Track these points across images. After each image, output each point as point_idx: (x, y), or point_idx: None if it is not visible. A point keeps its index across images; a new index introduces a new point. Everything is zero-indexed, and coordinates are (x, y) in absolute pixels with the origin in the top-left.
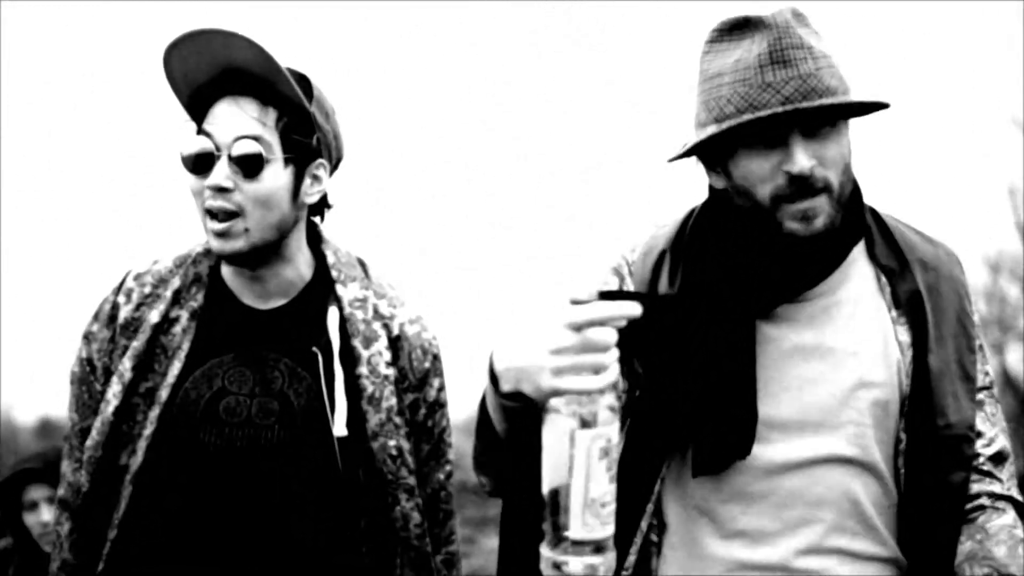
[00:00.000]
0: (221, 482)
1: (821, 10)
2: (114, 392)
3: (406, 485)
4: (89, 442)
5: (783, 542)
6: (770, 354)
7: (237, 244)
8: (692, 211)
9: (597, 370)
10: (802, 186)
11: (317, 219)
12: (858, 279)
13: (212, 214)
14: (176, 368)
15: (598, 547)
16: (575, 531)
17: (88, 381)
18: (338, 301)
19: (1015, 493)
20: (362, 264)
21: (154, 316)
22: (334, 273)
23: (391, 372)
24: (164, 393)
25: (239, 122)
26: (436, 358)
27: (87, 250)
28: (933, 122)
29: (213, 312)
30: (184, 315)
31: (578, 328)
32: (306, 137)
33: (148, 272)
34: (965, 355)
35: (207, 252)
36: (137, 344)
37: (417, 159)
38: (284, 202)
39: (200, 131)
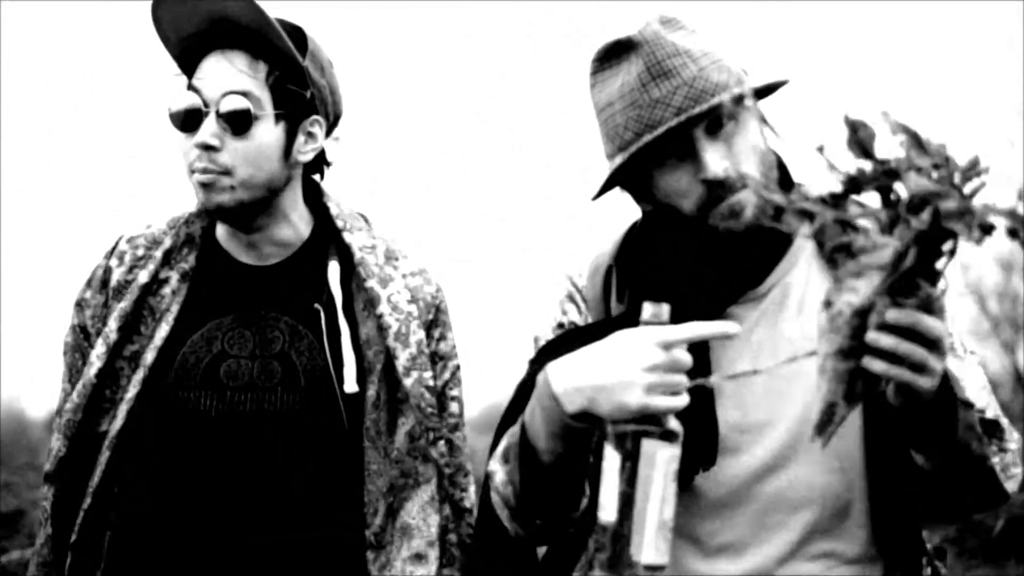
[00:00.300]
0: (221, 449)
1: (823, 11)
2: (98, 354)
3: (443, 424)
4: (68, 405)
5: (767, 549)
6: (728, 357)
7: (222, 197)
8: (634, 224)
9: (679, 390)
10: (719, 190)
11: (316, 177)
12: (804, 264)
13: (196, 172)
14: (164, 331)
15: (662, 571)
16: (648, 556)
17: (83, 348)
18: (346, 249)
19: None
20: (364, 218)
21: (143, 276)
22: (339, 223)
23: (413, 308)
24: (149, 356)
25: (227, 77)
26: (439, 309)
27: (88, 249)
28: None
29: (207, 273)
30: (174, 276)
31: (669, 347)
32: (299, 93)
33: (141, 235)
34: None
35: (200, 213)
36: (124, 304)
37: (412, 151)
38: (274, 160)
39: (189, 86)
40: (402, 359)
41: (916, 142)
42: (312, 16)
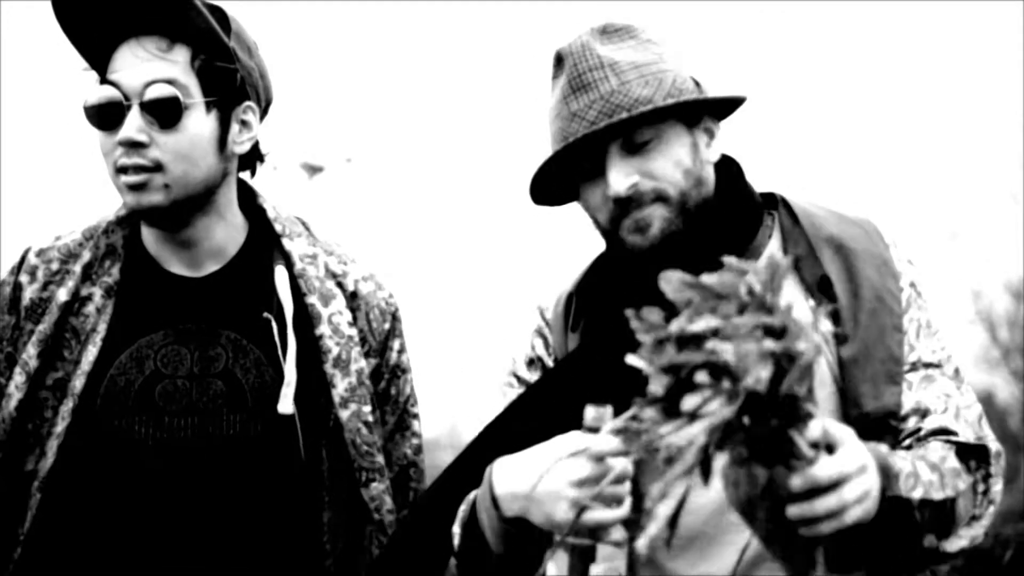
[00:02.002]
0: (160, 481)
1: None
2: (16, 384)
3: (378, 463)
4: None
5: (731, 554)
6: None
7: (155, 198)
8: (601, 252)
9: (615, 502)
10: (626, 206)
11: (246, 175)
12: None
13: (124, 171)
14: (91, 354)
15: None
16: None
17: None
18: (286, 257)
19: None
20: (303, 223)
21: (62, 295)
22: (278, 227)
23: (354, 332)
24: (78, 383)
25: (147, 64)
26: (395, 317)
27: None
28: (957, 152)
29: (134, 286)
30: (98, 293)
31: (600, 458)
32: (228, 76)
33: (52, 247)
34: (889, 335)
35: (121, 221)
36: (43, 327)
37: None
38: (210, 154)
39: (104, 81)
40: (340, 388)
41: (709, 294)
42: (308, 22)
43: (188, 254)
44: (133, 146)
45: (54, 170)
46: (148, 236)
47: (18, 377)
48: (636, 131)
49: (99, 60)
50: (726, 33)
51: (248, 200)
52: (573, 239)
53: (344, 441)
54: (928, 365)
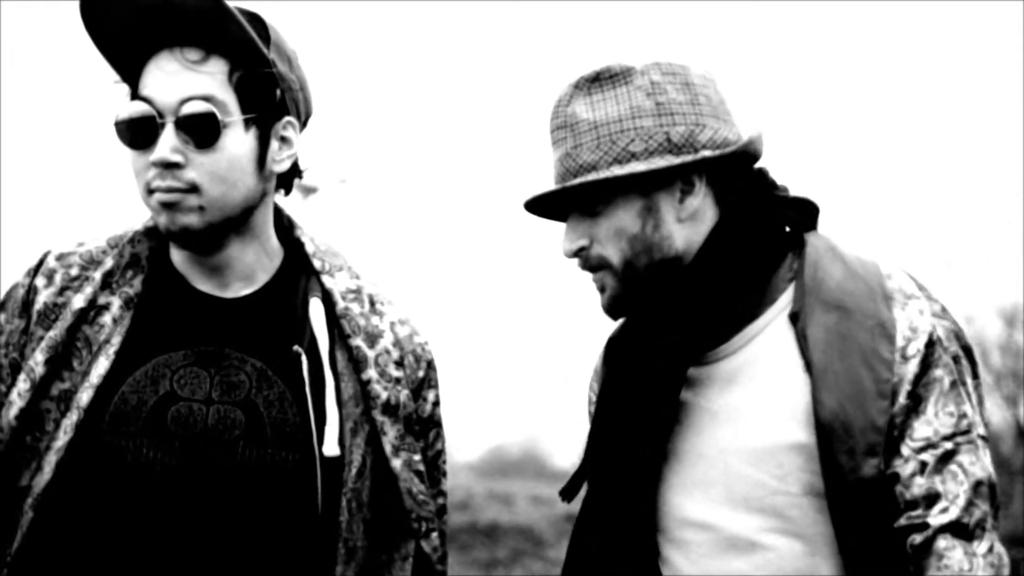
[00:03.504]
0: (166, 511)
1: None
2: (20, 392)
3: (432, 512)
4: None
5: None
6: (687, 423)
7: (188, 219)
8: None
9: None
10: (581, 265)
11: (280, 193)
12: (773, 330)
13: (157, 191)
14: (102, 366)
15: None
16: None
17: None
18: (326, 295)
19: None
20: (340, 254)
21: (78, 301)
22: (317, 263)
23: (401, 375)
24: (84, 397)
25: (184, 79)
26: (431, 366)
27: None
28: (949, 177)
29: (156, 301)
30: (116, 303)
31: None
32: (268, 91)
33: (74, 252)
34: (871, 402)
35: (148, 232)
36: (54, 334)
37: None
38: (248, 174)
39: (136, 96)
40: (390, 436)
41: None
42: (309, 23)
43: (216, 274)
44: (167, 167)
45: (53, 171)
46: (175, 251)
47: (22, 384)
48: (584, 196)
49: (130, 72)
50: (713, 52)
51: (285, 229)
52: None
53: (399, 491)
54: (948, 438)
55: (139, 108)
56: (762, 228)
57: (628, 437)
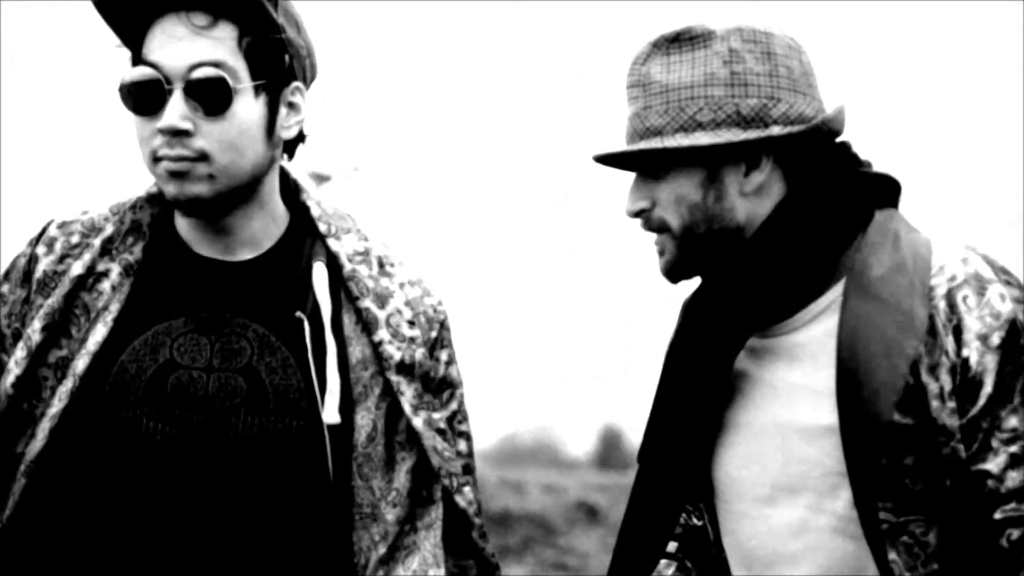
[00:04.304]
0: (167, 483)
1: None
2: (17, 359)
3: (460, 468)
4: None
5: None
6: (745, 397)
7: (198, 188)
8: None
9: None
10: (643, 226)
11: (284, 159)
12: (836, 309)
13: (164, 159)
14: (99, 334)
15: None
16: None
17: None
18: (332, 258)
19: None
20: (350, 217)
21: (77, 268)
22: (323, 227)
23: (416, 334)
24: (81, 364)
25: (192, 44)
26: (443, 326)
27: None
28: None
29: (157, 269)
30: (115, 270)
31: None
32: (278, 57)
33: (76, 220)
34: (883, 397)
35: (151, 198)
36: (51, 301)
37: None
38: (258, 142)
39: (139, 60)
40: (408, 395)
41: None
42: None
43: (222, 240)
44: (176, 135)
45: (54, 169)
46: (180, 217)
47: (19, 352)
48: (648, 159)
49: (132, 36)
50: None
51: (291, 193)
52: (582, 249)
53: (423, 450)
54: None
55: (145, 72)
56: (828, 205)
57: (685, 405)
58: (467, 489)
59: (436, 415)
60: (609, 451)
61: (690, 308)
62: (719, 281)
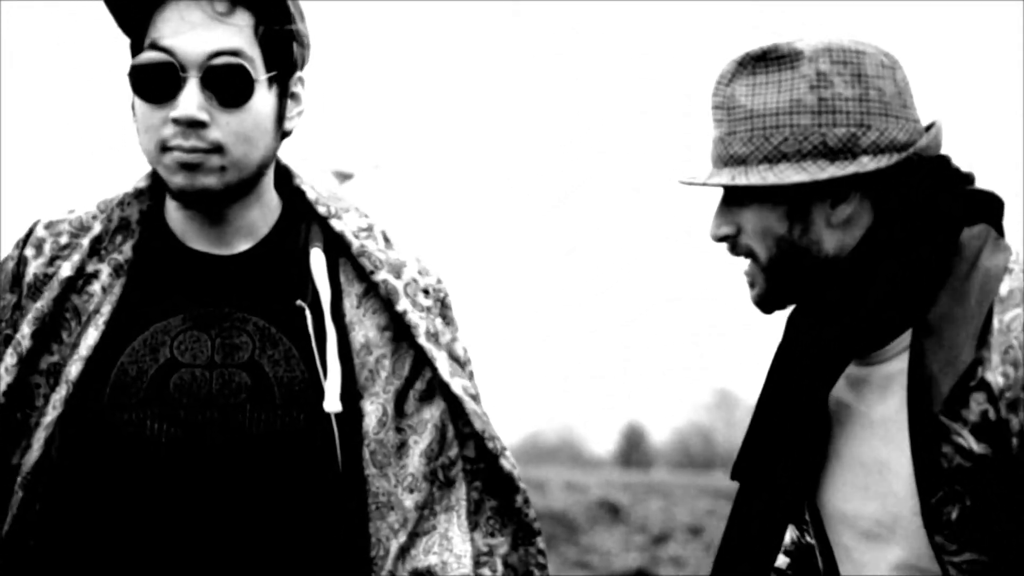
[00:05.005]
0: (176, 485)
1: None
2: (7, 367)
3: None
4: None
5: None
6: (845, 432)
7: (208, 180)
8: None
9: None
10: (729, 251)
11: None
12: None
13: (175, 149)
14: (91, 337)
15: None
16: None
17: None
18: (337, 239)
19: None
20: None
21: (66, 269)
22: (321, 209)
23: (430, 303)
24: (74, 370)
25: (210, 31)
26: (444, 304)
27: None
28: None
29: (150, 266)
30: (105, 270)
31: None
32: (288, 47)
33: (64, 220)
34: (936, 399)
35: (140, 193)
36: (41, 305)
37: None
38: (269, 134)
39: (147, 45)
40: (441, 361)
41: None
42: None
43: (217, 233)
44: (191, 125)
45: (54, 170)
46: (171, 211)
47: (8, 359)
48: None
49: (136, 19)
50: (712, 53)
51: (282, 179)
52: (582, 249)
53: (464, 414)
54: None
55: (158, 57)
56: (913, 229)
57: (784, 428)
58: (509, 454)
59: (468, 383)
60: (632, 449)
61: (792, 326)
62: (816, 306)
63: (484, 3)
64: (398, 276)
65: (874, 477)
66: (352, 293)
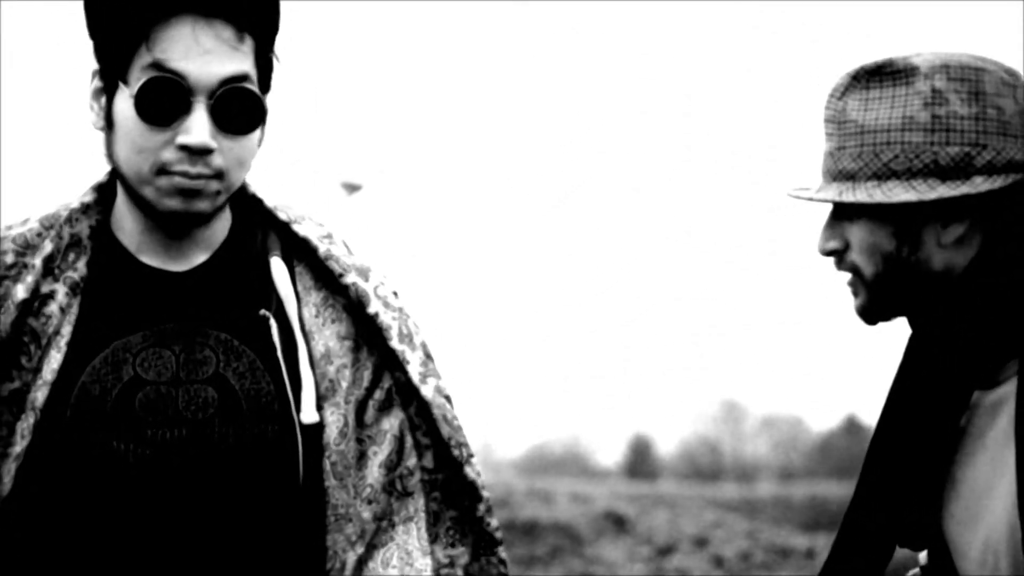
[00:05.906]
0: (145, 505)
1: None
2: None
3: (466, 437)
4: None
5: None
6: (965, 457)
7: (203, 205)
8: None
9: None
10: (835, 265)
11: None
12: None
13: (175, 174)
14: (55, 360)
15: None
16: None
17: None
18: (302, 244)
19: None
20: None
21: (20, 292)
22: (282, 215)
23: (403, 304)
24: (40, 396)
25: (222, 57)
26: (403, 312)
27: None
28: None
29: (105, 282)
30: (61, 290)
31: None
32: (271, 70)
33: (5, 238)
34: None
35: (87, 208)
36: None
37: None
38: (254, 157)
39: (152, 65)
40: (414, 364)
41: None
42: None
43: (175, 246)
44: (201, 153)
45: (54, 170)
46: (123, 225)
47: None
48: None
49: (131, 39)
50: (712, 53)
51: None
52: (600, 245)
53: (398, 439)
54: None
55: (168, 81)
56: (1019, 250)
57: (909, 452)
58: (475, 461)
59: (442, 382)
60: (638, 461)
61: (913, 350)
62: (931, 329)
63: (484, 3)
64: (366, 279)
65: (988, 504)
66: (310, 302)
